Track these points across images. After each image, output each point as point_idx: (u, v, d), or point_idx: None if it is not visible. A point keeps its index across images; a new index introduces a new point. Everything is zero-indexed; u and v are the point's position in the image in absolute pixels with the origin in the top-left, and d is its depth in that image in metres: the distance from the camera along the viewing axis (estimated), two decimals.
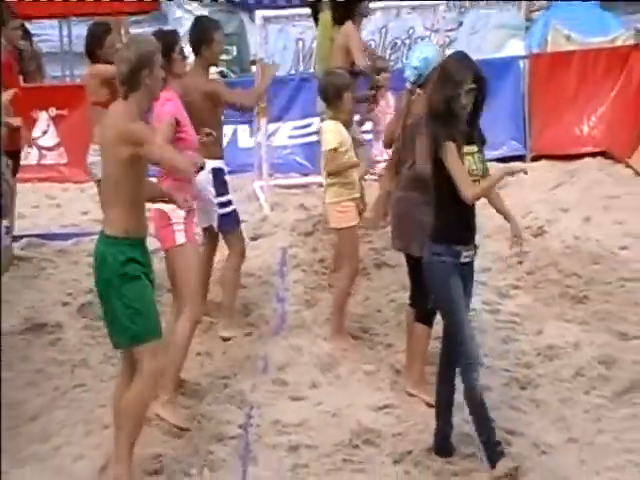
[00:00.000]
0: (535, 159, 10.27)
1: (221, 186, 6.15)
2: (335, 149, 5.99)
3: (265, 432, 5.20)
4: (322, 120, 6.27)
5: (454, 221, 4.67)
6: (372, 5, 10.87)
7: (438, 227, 4.73)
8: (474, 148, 4.71)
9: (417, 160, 5.29)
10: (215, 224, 6.19)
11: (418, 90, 5.40)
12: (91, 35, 7.00)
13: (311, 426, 5.22)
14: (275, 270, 7.45)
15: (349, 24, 7.67)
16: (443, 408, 4.91)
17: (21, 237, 8.02)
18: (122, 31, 11.73)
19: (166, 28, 6.95)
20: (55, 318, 6.75)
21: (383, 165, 8.30)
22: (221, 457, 4.95)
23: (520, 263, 7.28)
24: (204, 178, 6.02)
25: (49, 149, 10.39)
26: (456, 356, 4.72)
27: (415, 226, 5.35)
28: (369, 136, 8.41)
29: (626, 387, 5.48)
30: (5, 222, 6.02)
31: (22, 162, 9.25)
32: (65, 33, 11.52)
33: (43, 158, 10.34)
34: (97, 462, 4.82)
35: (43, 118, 10.31)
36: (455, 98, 4.58)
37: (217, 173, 6.13)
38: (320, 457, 4.94)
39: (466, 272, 4.75)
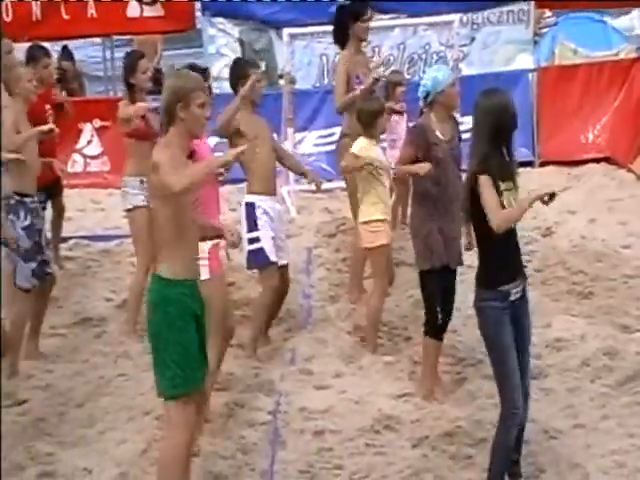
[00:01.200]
0: (543, 165, 10.22)
1: (251, 222, 5.83)
2: (356, 156, 5.92)
3: (293, 418, 5.20)
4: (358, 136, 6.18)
5: (498, 262, 4.25)
6: (391, 22, 10.92)
7: (483, 271, 4.31)
8: (510, 184, 4.31)
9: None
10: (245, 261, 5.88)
11: (425, 110, 5.36)
12: (125, 64, 6.60)
13: (335, 413, 5.22)
14: (301, 268, 7.45)
15: (343, 52, 6.90)
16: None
17: (69, 238, 8.09)
18: (158, 52, 11.78)
19: (199, 63, 6.57)
20: (100, 313, 6.81)
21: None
22: (252, 441, 4.95)
23: (529, 262, 7.24)
24: (241, 212, 5.89)
25: (93, 157, 10.45)
26: (501, 401, 4.35)
27: (418, 240, 5.33)
28: (384, 144, 8.38)
29: (629, 376, 5.43)
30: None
31: (69, 169, 9.38)
32: (108, 56, 11.59)
33: (88, 166, 10.42)
34: (139, 446, 4.83)
35: (87, 129, 10.39)
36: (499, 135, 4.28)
37: (248, 207, 5.88)
38: (344, 441, 4.94)
39: (518, 307, 4.31)
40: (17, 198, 5.82)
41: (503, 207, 4.21)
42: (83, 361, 6.05)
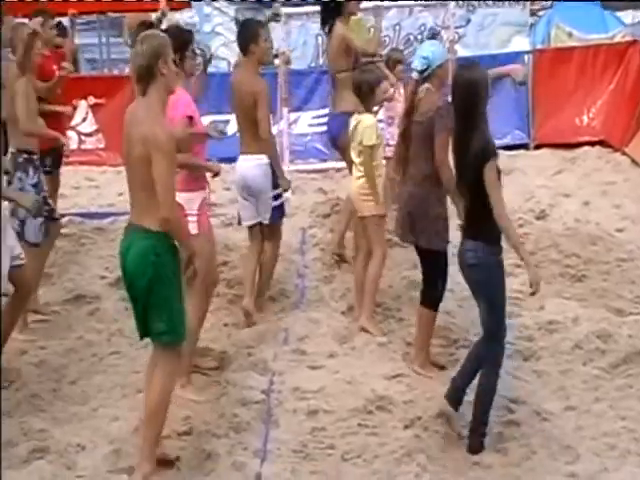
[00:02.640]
0: (537, 147, 10.20)
1: (275, 179, 6.10)
2: (373, 145, 5.86)
3: (286, 398, 5.19)
4: (359, 112, 6.09)
5: (494, 222, 4.43)
6: (387, 3, 10.86)
7: (489, 228, 4.44)
8: None
9: (437, 158, 5.14)
10: (267, 219, 6.13)
11: (426, 85, 5.27)
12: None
13: (328, 393, 5.20)
14: (295, 249, 7.43)
15: (339, 26, 7.02)
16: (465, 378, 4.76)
17: (63, 216, 8.02)
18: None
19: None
20: (94, 290, 6.77)
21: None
22: (245, 420, 4.93)
23: (522, 244, 7.21)
24: (262, 173, 6.02)
25: (88, 135, 10.40)
26: (490, 343, 4.58)
27: (426, 221, 5.28)
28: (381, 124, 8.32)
29: (621, 359, 5.42)
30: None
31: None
32: (104, 41, 11.55)
33: (83, 143, 10.37)
34: (132, 423, 4.81)
35: (82, 106, 10.33)
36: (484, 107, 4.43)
37: (268, 168, 6.06)
38: (337, 421, 4.92)
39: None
40: (25, 156, 5.94)
41: None
42: (77, 338, 6.02)
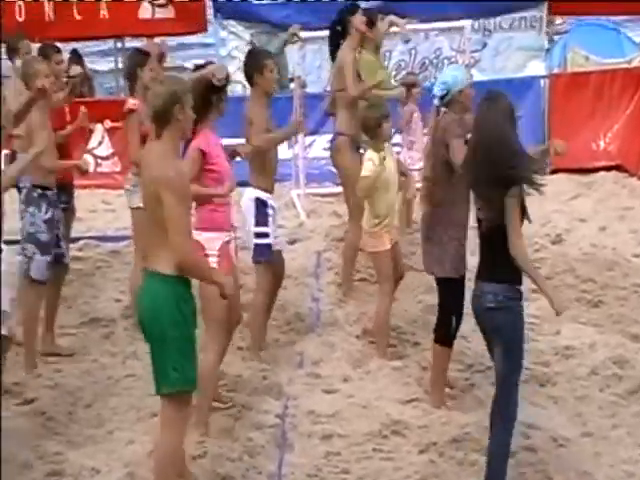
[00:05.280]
0: (554, 172, 10.18)
1: (262, 216, 5.93)
2: (367, 177, 5.89)
3: (300, 422, 5.21)
4: (364, 150, 6.18)
5: (513, 261, 4.26)
6: (408, 27, 10.94)
7: (509, 268, 4.28)
8: None
9: (454, 160, 5.04)
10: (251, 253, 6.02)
11: (444, 109, 5.29)
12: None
13: (343, 417, 5.22)
14: (310, 272, 7.46)
15: (344, 49, 6.94)
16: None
17: (79, 239, 8.11)
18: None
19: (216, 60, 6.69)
20: (109, 313, 6.82)
21: (415, 172, 8.31)
22: (260, 444, 4.96)
23: (538, 269, 7.22)
24: (246, 207, 5.96)
25: (104, 158, 10.48)
26: (500, 400, 4.38)
27: (437, 247, 5.24)
28: (397, 149, 8.38)
29: (638, 385, 5.43)
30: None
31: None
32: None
33: (99, 166, 10.44)
34: (146, 447, 4.83)
35: (98, 130, 10.42)
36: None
37: (259, 203, 5.93)
38: (351, 446, 4.94)
39: None
40: (39, 191, 5.91)
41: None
42: (92, 361, 6.07)
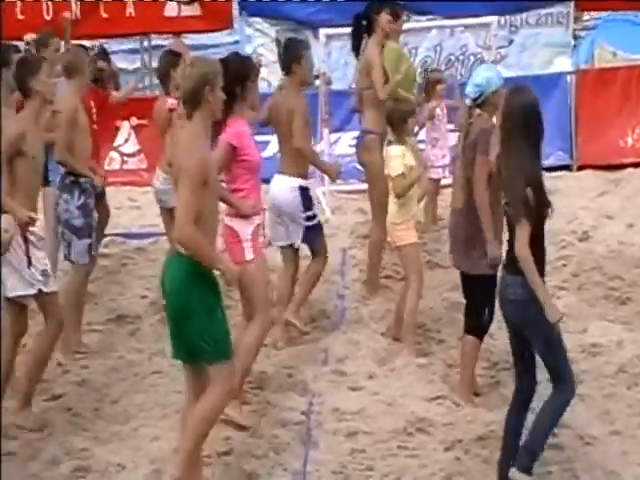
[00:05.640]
0: (580, 169, 10.13)
1: (308, 201, 6.13)
2: (403, 174, 5.91)
3: (325, 419, 5.21)
4: (388, 143, 6.16)
5: (537, 254, 4.25)
6: (428, 24, 10.91)
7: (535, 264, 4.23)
8: None
9: (475, 176, 5.08)
10: (298, 241, 6.15)
11: (477, 110, 5.23)
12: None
13: (368, 414, 5.22)
14: (336, 269, 7.46)
15: (370, 47, 6.97)
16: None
17: (105, 236, 8.15)
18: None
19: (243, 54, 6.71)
20: (135, 310, 6.87)
21: (439, 169, 8.29)
22: (285, 441, 4.97)
23: (565, 266, 7.19)
24: (292, 197, 6.07)
25: (130, 155, 10.55)
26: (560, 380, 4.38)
27: (464, 243, 5.21)
28: (422, 145, 8.36)
29: None
30: None
31: (106, 167, 9.46)
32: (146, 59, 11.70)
33: (125, 164, 10.52)
34: (172, 443, 4.85)
35: (125, 127, 10.49)
36: None
37: (303, 191, 6.10)
38: (376, 443, 4.94)
39: None
40: (72, 178, 6.10)
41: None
42: (118, 357, 6.12)
